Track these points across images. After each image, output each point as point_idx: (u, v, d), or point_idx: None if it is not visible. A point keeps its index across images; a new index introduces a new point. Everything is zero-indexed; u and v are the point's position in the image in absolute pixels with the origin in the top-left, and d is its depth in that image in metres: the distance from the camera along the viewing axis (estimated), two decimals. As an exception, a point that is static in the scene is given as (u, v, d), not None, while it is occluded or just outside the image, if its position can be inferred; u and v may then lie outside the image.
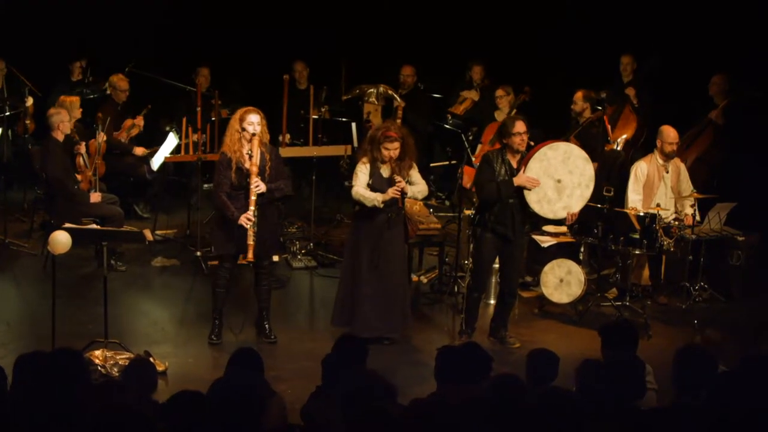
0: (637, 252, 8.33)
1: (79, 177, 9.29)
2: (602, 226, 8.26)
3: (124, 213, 9.35)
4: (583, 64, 10.75)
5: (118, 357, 6.97)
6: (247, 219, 7.23)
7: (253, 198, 7.26)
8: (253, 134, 7.29)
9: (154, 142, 10.57)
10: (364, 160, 7.53)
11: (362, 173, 7.49)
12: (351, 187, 7.57)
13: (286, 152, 9.29)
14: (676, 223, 8.66)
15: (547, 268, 8.58)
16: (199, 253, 9.29)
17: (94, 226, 8.34)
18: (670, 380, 5.00)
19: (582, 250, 8.83)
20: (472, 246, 8.14)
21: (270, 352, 7.36)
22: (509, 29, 11.78)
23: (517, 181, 7.50)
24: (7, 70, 10.89)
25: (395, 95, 10.75)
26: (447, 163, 10.65)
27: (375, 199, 7.38)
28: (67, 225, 7.19)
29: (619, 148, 9.93)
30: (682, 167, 9.02)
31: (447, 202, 11.58)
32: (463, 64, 11.98)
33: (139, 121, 10.59)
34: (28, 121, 10.64)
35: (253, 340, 7.61)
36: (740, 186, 9.44)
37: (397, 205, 7.50)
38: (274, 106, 9.51)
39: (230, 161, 7.34)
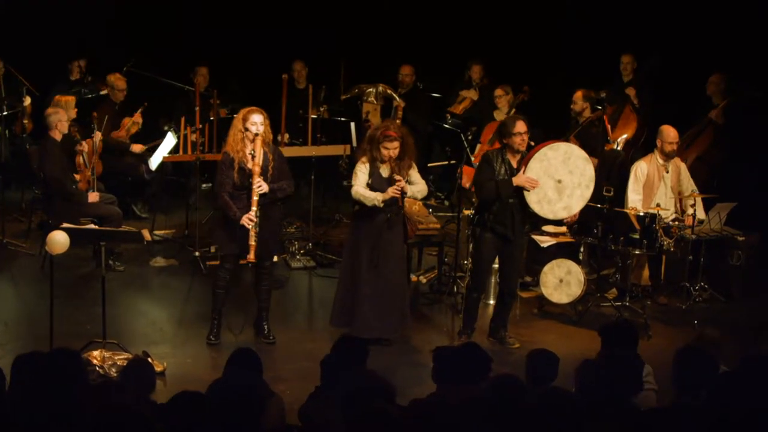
0: (637, 252, 8.31)
1: (77, 177, 9.27)
2: (602, 226, 8.24)
3: (122, 213, 9.33)
4: (583, 64, 10.74)
5: (116, 357, 6.96)
6: (249, 219, 7.21)
7: (255, 198, 7.24)
8: (256, 134, 7.27)
9: (150, 139, 10.55)
10: (364, 159, 7.51)
11: (362, 173, 7.47)
12: (350, 186, 7.55)
13: (284, 152, 9.21)
14: (676, 223, 8.65)
15: (546, 268, 8.57)
16: (197, 253, 9.27)
17: (92, 226, 8.32)
18: (670, 380, 4.99)
19: (582, 250, 8.82)
20: (471, 246, 8.12)
21: (269, 353, 7.35)
22: (508, 28, 11.77)
23: (516, 181, 7.48)
24: (5, 70, 10.86)
25: (394, 95, 10.73)
26: (446, 162, 10.63)
27: (375, 198, 7.36)
28: (65, 225, 7.18)
29: (619, 148, 9.91)
30: (683, 167, 9.01)
31: (446, 202, 11.57)
32: (462, 63, 11.97)
33: (138, 118, 10.57)
34: (26, 121, 10.62)
35: (251, 340, 7.59)
36: (740, 186, 9.44)
37: (397, 205, 7.48)
38: (273, 106, 9.48)
39: (233, 161, 7.32)
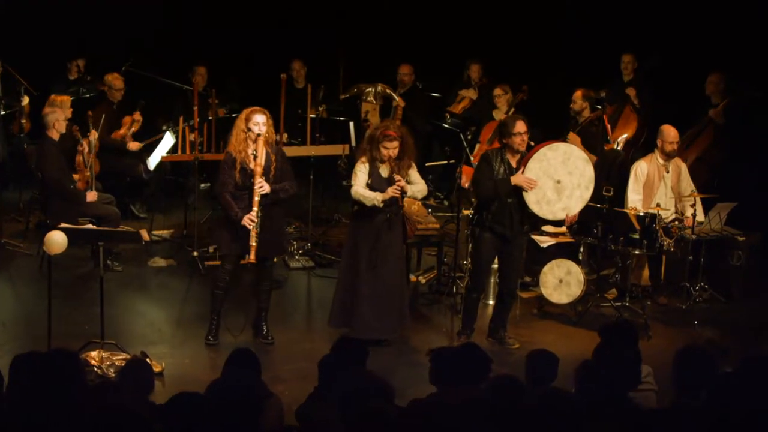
0: (636, 252, 8.29)
1: (76, 177, 9.24)
2: (602, 226, 8.22)
3: (120, 213, 9.31)
4: (583, 63, 10.72)
5: (114, 358, 6.94)
6: (250, 220, 7.19)
7: (256, 198, 7.22)
8: (258, 134, 7.25)
9: (146, 137, 10.53)
10: (363, 159, 7.49)
11: (361, 173, 7.45)
12: (349, 186, 7.53)
13: (283, 152, 9.25)
14: (676, 223, 8.63)
15: (546, 268, 8.55)
16: (196, 254, 9.25)
17: (90, 226, 8.30)
18: (670, 381, 4.98)
19: (581, 250, 8.80)
20: (470, 246, 8.10)
21: (267, 353, 7.34)
22: (508, 28, 11.76)
23: (515, 180, 7.46)
24: (3, 69, 10.82)
25: (394, 95, 10.70)
26: (445, 162, 10.62)
27: (375, 198, 7.34)
28: (63, 225, 7.16)
29: (619, 148, 9.90)
30: (683, 167, 8.99)
31: (445, 202, 11.55)
32: (462, 62, 11.95)
33: (138, 116, 10.55)
34: (23, 121, 10.58)
35: (250, 340, 7.57)
36: (740, 186, 9.43)
37: (397, 205, 7.46)
38: (272, 106, 9.41)
39: (235, 161, 7.29)
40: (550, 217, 7.74)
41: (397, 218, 7.55)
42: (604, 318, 8.21)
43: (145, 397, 4.91)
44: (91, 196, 9.00)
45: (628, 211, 8.31)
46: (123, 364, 6.09)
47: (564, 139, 9.08)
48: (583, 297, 8.47)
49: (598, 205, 8.17)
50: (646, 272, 8.91)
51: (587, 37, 10.97)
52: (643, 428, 4.63)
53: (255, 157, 7.24)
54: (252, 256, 7.21)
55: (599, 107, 9.69)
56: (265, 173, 7.28)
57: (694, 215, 8.47)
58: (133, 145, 10.43)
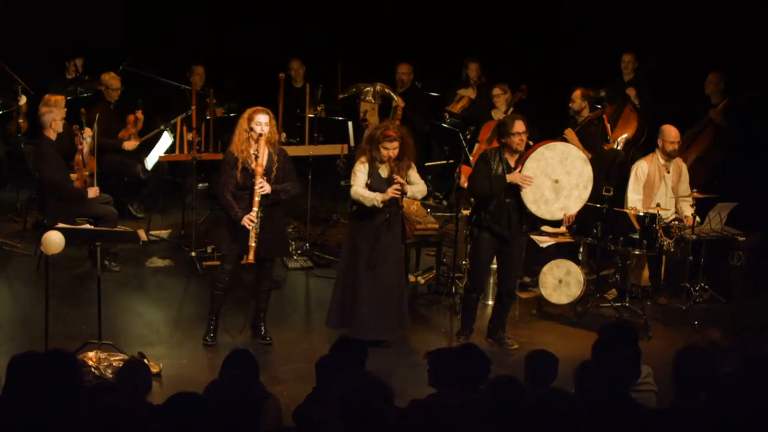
0: (636, 252, 8.27)
1: (73, 176, 9.20)
2: (601, 226, 8.20)
3: (118, 213, 9.27)
4: (583, 63, 10.70)
5: (111, 358, 6.91)
6: (250, 220, 7.16)
7: (257, 199, 7.19)
8: (260, 134, 7.22)
9: (142, 135, 10.52)
10: (363, 159, 7.47)
11: (361, 173, 7.42)
12: (348, 186, 7.51)
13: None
14: (677, 223, 8.61)
15: (545, 268, 8.53)
16: (194, 254, 9.23)
17: (87, 226, 8.28)
18: (670, 381, 4.97)
19: (581, 250, 8.79)
20: (469, 246, 8.07)
21: (265, 354, 7.32)
22: (507, 27, 11.74)
23: (510, 177, 7.43)
24: (0, 68, 10.81)
25: (393, 94, 10.68)
26: (444, 162, 10.60)
27: (375, 198, 7.31)
28: (61, 225, 7.13)
29: (619, 148, 9.88)
30: (684, 168, 8.98)
31: (444, 202, 11.52)
32: (460, 62, 11.92)
33: (140, 114, 10.54)
34: (21, 120, 10.57)
35: (248, 341, 7.54)
36: (741, 186, 9.41)
37: (397, 205, 7.44)
38: (270, 105, 9.39)
39: (236, 161, 7.27)
40: (548, 216, 7.72)
41: (397, 218, 7.53)
42: (604, 318, 8.19)
43: (143, 398, 4.89)
44: (93, 192, 8.96)
45: (628, 211, 8.29)
46: (120, 365, 6.05)
47: (561, 136, 9.07)
48: (583, 297, 8.45)
49: (598, 205, 8.15)
50: (646, 272, 8.89)
51: (587, 36, 10.95)
52: (643, 428, 4.63)
53: (256, 157, 7.22)
54: (251, 257, 7.18)
55: (599, 106, 9.67)
56: (267, 174, 7.26)
57: (694, 215, 8.45)
58: (129, 145, 10.39)
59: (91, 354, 6.90)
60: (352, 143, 10.05)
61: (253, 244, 7.16)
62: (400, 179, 7.30)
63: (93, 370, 6.77)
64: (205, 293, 7.98)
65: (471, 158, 9.58)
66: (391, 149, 7.35)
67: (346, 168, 9.45)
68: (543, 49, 11.43)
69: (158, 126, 10.39)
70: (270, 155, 7.32)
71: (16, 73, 10.60)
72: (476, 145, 10.18)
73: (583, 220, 8.16)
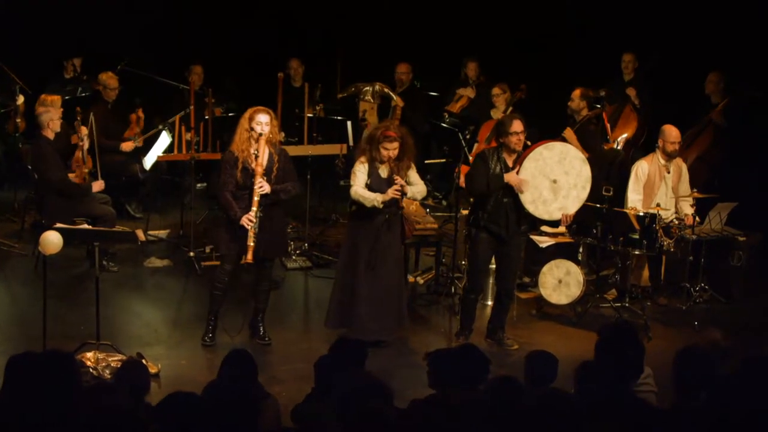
0: (636, 252, 8.26)
1: (72, 175, 9.18)
2: (601, 226, 8.18)
3: (116, 213, 9.26)
4: (583, 62, 10.69)
5: (110, 359, 6.90)
6: (249, 220, 7.14)
7: (256, 199, 7.17)
8: (261, 134, 7.21)
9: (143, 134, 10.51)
10: (363, 159, 7.45)
11: (361, 173, 7.40)
12: (347, 186, 7.49)
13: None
14: (677, 223, 8.59)
15: (545, 268, 8.51)
16: (192, 254, 9.21)
17: (85, 226, 8.26)
18: (670, 382, 4.95)
19: (581, 250, 8.77)
20: (467, 246, 8.05)
21: (264, 354, 7.30)
22: (507, 26, 11.73)
23: (507, 177, 7.41)
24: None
25: (392, 94, 10.66)
26: (444, 161, 10.58)
27: (375, 199, 7.29)
28: (59, 225, 7.11)
29: (619, 148, 9.87)
30: (684, 168, 8.96)
31: (444, 202, 11.51)
32: (459, 61, 11.90)
33: (140, 113, 10.53)
34: (18, 120, 10.54)
35: (247, 341, 7.53)
36: (741, 186, 9.40)
37: (397, 206, 7.42)
38: (269, 104, 9.37)
39: (237, 160, 7.25)
40: (546, 217, 7.70)
41: (396, 219, 7.51)
42: (604, 319, 8.19)
43: (141, 398, 4.87)
44: (98, 185, 8.96)
45: (627, 211, 8.27)
46: (119, 366, 6.05)
47: (560, 136, 9.06)
48: (583, 298, 8.43)
49: (598, 205, 8.13)
50: (645, 273, 8.87)
51: (587, 36, 10.95)
52: (643, 428, 4.61)
53: (256, 156, 7.20)
54: (249, 257, 7.16)
55: (598, 106, 9.66)
56: (267, 174, 7.24)
57: (694, 215, 8.43)
58: (126, 146, 10.36)
59: (89, 354, 6.89)
60: (351, 143, 10.03)
61: (252, 244, 7.14)
62: (400, 180, 7.29)
63: (91, 370, 6.76)
64: (203, 293, 7.95)
65: (470, 158, 9.56)
66: (391, 149, 7.33)
67: (345, 168, 9.43)
68: (543, 48, 11.42)
69: (156, 126, 10.37)
70: (270, 155, 7.31)
71: (13, 72, 10.58)
72: (475, 145, 10.16)
73: (582, 220, 8.14)
